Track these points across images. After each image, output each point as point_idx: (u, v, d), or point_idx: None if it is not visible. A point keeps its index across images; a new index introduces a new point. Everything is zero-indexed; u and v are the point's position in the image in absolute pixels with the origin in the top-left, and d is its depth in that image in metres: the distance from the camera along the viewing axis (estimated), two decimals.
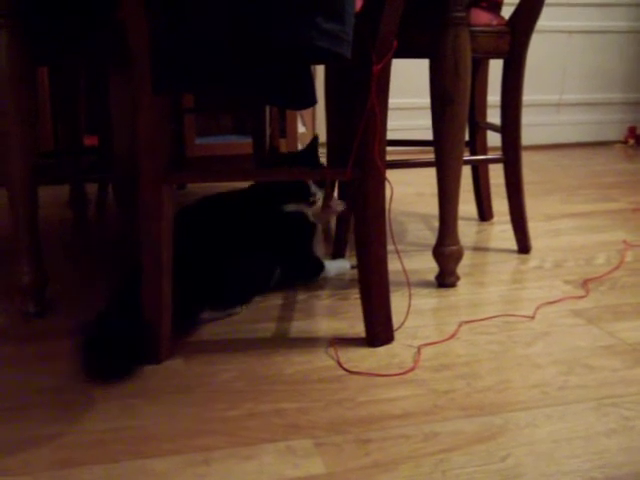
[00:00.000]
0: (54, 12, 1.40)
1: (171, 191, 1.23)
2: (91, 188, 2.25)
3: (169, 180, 1.22)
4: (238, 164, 2.82)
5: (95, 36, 1.43)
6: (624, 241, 1.95)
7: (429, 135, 1.61)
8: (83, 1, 1.41)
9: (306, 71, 1.25)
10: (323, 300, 1.53)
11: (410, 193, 2.50)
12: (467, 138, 1.71)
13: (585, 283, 1.62)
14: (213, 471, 0.93)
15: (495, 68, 1.93)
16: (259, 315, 1.45)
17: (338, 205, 1.69)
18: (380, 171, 1.24)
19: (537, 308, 1.47)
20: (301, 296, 1.55)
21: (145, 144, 1.18)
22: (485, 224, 2.15)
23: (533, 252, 1.85)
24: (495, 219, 2.17)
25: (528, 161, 2.19)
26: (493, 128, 1.94)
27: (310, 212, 1.61)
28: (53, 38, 1.41)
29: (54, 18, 1.40)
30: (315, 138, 1.67)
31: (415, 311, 1.44)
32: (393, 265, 1.32)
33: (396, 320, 1.33)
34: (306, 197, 1.58)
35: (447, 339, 1.33)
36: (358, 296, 1.32)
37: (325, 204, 1.63)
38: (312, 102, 1.27)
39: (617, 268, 1.72)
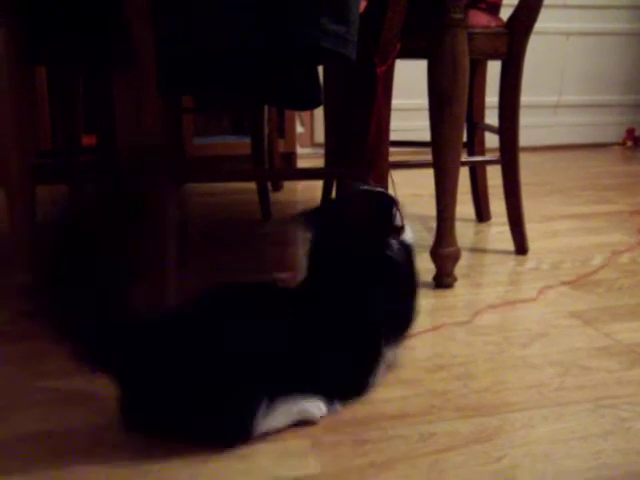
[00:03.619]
0: (58, 10, 1.40)
1: (176, 192, 1.24)
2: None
3: (177, 180, 1.22)
4: (240, 164, 2.82)
5: (100, 34, 1.42)
6: (621, 243, 1.96)
7: (427, 136, 1.61)
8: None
9: (312, 72, 1.25)
10: None
11: (407, 194, 2.50)
12: (465, 139, 1.71)
13: (582, 284, 1.62)
14: (209, 470, 0.93)
15: (493, 69, 1.93)
16: None
17: None
18: (383, 170, 1.24)
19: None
20: None
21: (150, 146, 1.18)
22: (483, 225, 2.15)
23: (530, 253, 1.85)
24: (493, 220, 2.17)
25: (526, 162, 2.19)
26: (491, 129, 1.94)
27: None
28: (57, 37, 1.41)
29: (58, 16, 1.39)
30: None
31: None
32: None
33: None
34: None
35: (444, 339, 1.33)
36: None
37: None
38: (318, 103, 1.27)
39: (614, 270, 1.73)
